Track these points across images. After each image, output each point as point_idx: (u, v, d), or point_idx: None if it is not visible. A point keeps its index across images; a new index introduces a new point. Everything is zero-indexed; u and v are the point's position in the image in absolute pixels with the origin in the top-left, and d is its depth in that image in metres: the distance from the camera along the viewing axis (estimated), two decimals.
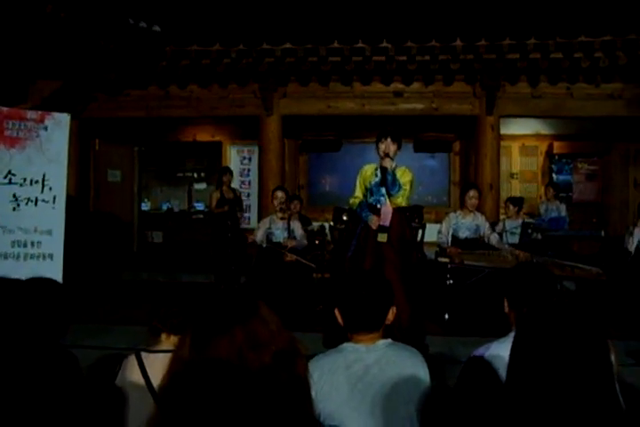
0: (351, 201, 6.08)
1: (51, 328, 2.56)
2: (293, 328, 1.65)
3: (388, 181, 5.71)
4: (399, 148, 5.92)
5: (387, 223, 5.71)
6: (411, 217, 9.29)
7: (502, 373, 2.48)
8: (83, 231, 9.14)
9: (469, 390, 2.68)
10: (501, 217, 9.75)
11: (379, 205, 5.81)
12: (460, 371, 2.76)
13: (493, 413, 1.79)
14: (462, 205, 8.01)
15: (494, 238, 7.83)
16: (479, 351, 2.74)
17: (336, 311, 2.80)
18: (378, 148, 5.87)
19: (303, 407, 1.54)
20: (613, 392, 1.60)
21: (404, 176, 5.84)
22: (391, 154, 5.79)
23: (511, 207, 8.96)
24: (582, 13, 8.99)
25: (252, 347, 1.49)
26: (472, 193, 7.89)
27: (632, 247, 7.80)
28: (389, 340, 2.77)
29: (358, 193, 6.03)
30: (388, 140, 5.81)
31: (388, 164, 5.73)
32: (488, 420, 1.88)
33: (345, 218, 9.07)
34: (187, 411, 1.45)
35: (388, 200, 5.80)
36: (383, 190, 5.80)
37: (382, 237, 5.71)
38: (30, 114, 6.44)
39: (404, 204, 5.91)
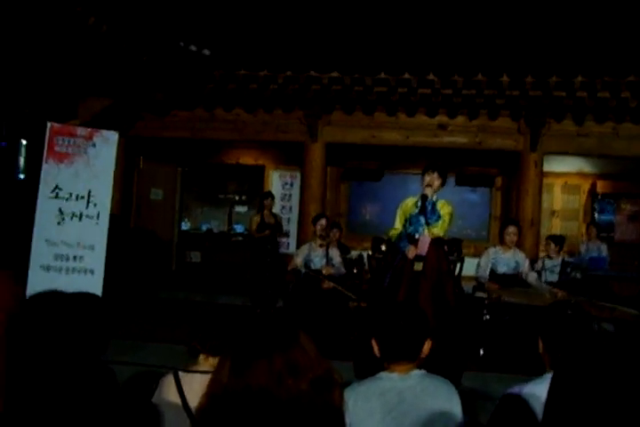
0: (390, 233, 6.06)
1: (93, 343, 2.60)
2: (327, 356, 1.67)
3: (427, 209, 5.71)
4: (443, 184, 5.92)
5: (423, 253, 5.70)
6: (449, 250, 9.29)
7: (538, 412, 2.47)
8: (123, 248, 9.24)
9: None
10: (541, 255, 9.68)
11: (417, 235, 5.80)
12: (495, 408, 2.75)
13: None
14: (502, 241, 7.97)
15: (532, 276, 7.78)
16: (514, 390, 2.72)
17: (373, 342, 2.82)
18: (423, 179, 5.87)
19: None
20: None
21: (443, 208, 5.83)
22: (434, 187, 5.80)
23: (552, 245, 8.88)
24: (630, 53, 8.97)
25: (290, 374, 1.52)
26: (511, 229, 7.85)
27: None
28: (424, 371, 2.78)
29: (398, 225, 6.00)
30: (435, 174, 5.81)
31: (428, 192, 5.74)
32: None
33: (383, 248, 9.08)
34: None
35: (426, 230, 5.79)
36: (422, 220, 5.79)
37: (418, 266, 5.70)
38: (80, 131, 6.54)
39: (441, 234, 5.90)
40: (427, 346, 2.80)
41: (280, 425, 1.47)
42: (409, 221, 5.87)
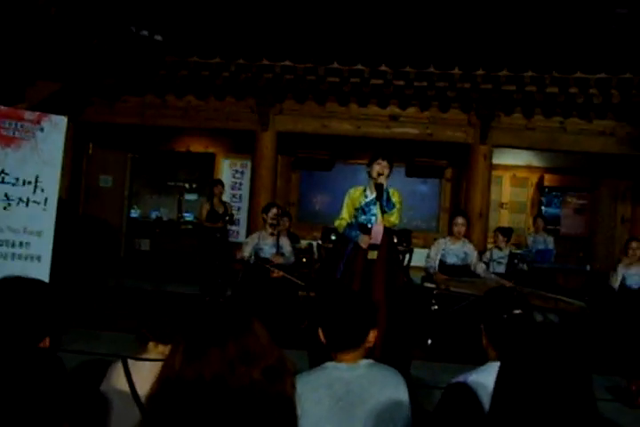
0: (337, 223, 5.99)
1: (39, 330, 2.56)
2: (278, 345, 1.67)
3: (383, 198, 5.72)
4: (390, 173, 5.94)
5: (378, 242, 5.72)
6: (398, 240, 9.36)
7: (484, 401, 2.51)
8: (71, 235, 9.12)
9: (449, 416, 2.69)
10: (489, 246, 9.81)
11: (369, 225, 5.81)
12: (442, 396, 2.78)
13: None
14: (450, 232, 8.06)
15: (481, 267, 7.88)
16: (460, 378, 2.75)
17: (319, 330, 2.82)
18: (371, 168, 5.82)
19: (288, 424, 1.56)
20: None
21: (394, 196, 5.83)
22: (385, 175, 5.79)
23: (500, 237, 9.02)
24: (580, 50, 9.11)
25: (243, 361, 1.51)
26: (459, 220, 7.95)
27: (616, 284, 7.86)
28: (371, 360, 2.78)
29: (345, 215, 5.95)
30: (385, 162, 5.78)
31: (383, 181, 5.71)
32: None
33: (333, 237, 9.11)
34: (173, 420, 1.47)
35: (380, 218, 5.80)
36: (374, 210, 5.80)
37: (372, 255, 5.71)
38: (28, 114, 6.40)
39: (397, 222, 5.93)
40: (372, 335, 2.78)
41: (231, 413, 1.46)
42: (360, 210, 5.88)
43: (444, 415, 2.72)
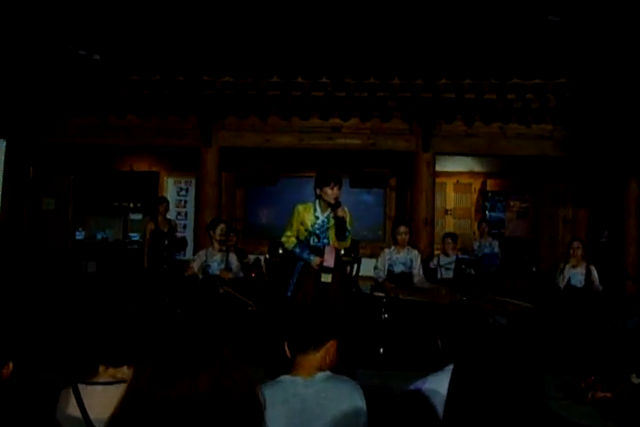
0: (284, 239, 5.92)
1: None
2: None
3: (342, 231, 5.70)
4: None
5: (331, 264, 5.70)
6: (346, 251, 9.38)
7: (439, 408, 2.52)
8: (13, 259, 8.95)
9: (404, 424, 2.70)
10: (436, 253, 9.90)
11: (322, 247, 5.80)
12: (397, 404, 2.79)
13: None
14: (395, 242, 8.12)
15: (417, 278, 7.95)
16: (416, 385, 2.77)
17: (285, 345, 2.82)
18: (323, 191, 5.71)
19: None
20: (549, 425, 1.65)
21: (346, 217, 5.81)
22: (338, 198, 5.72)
23: (450, 243, 9.12)
24: (515, 57, 9.28)
25: (214, 393, 1.48)
26: (402, 229, 8.03)
27: (562, 284, 8.00)
28: (327, 372, 2.78)
29: (293, 232, 5.87)
30: (337, 186, 5.70)
31: (343, 214, 5.66)
32: None
33: (280, 251, 9.09)
34: None
35: (334, 242, 5.79)
36: (328, 233, 5.80)
37: (326, 278, 5.65)
38: None
39: (348, 244, 5.96)
40: (332, 344, 2.81)
41: None
42: (314, 235, 5.82)
43: (399, 423, 2.73)
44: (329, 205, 5.75)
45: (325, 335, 2.80)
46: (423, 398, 2.64)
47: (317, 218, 5.81)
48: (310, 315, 2.84)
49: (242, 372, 1.59)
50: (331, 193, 5.69)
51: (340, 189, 5.75)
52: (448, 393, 1.77)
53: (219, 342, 1.62)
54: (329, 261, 5.67)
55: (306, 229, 5.83)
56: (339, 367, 5.24)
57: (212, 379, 1.49)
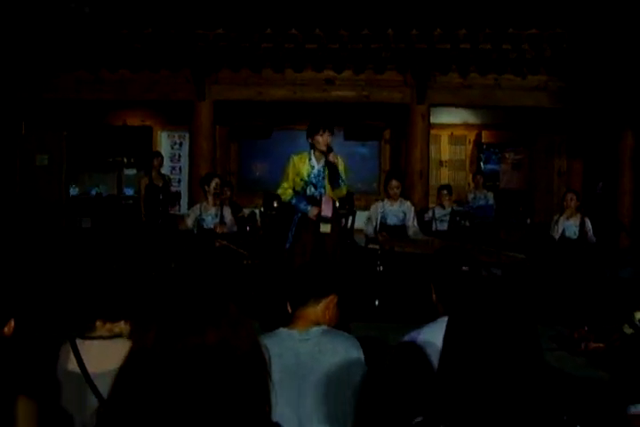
0: (280, 191, 5.94)
1: None
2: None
3: (335, 177, 5.69)
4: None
5: (329, 214, 5.70)
6: (341, 204, 9.40)
7: (433, 358, 2.54)
8: (8, 216, 8.93)
9: (400, 375, 2.72)
10: (431, 205, 9.91)
11: (319, 197, 5.79)
12: (391, 355, 2.81)
13: (424, 397, 1.82)
14: (387, 195, 8.09)
15: (411, 230, 7.95)
16: (410, 336, 2.77)
17: (285, 299, 2.83)
18: (314, 140, 5.74)
19: (262, 408, 1.55)
20: (543, 376, 1.66)
21: (340, 166, 5.81)
22: (330, 145, 5.72)
23: (446, 195, 9.10)
24: (511, 6, 9.17)
25: (221, 350, 1.48)
26: (394, 183, 7.97)
27: (556, 235, 8.02)
28: (324, 327, 2.76)
29: (289, 184, 5.89)
30: (327, 132, 5.71)
31: (333, 158, 5.65)
32: (419, 404, 1.92)
33: (276, 204, 9.09)
34: (143, 394, 1.44)
35: (330, 191, 5.79)
36: (324, 182, 5.79)
37: (325, 228, 5.67)
38: None
39: (345, 193, 5.95)
40: (332, 298, 2.81)
41: (204, 393, 1.44)
42: (310, 184, 5.82)
43: (394, 375, 2.75)
44: (322, 153, 5.76)
45: (326, 288, 2.80)
46: (418, 349, 2.64)
47: (313, 167, 5.82)
48: (311, 267, 2.84)
49: (248, 329, 1.58)
50: (321, 140, 5.71)
51: (330, 135, 5.76)
52: (443, 344, 1.78)
53: (225, 299, 1.61)
54: (326, 210, 5.69)
55: (302, 180, 5.84)
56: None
57: (219, 336, 1.49)
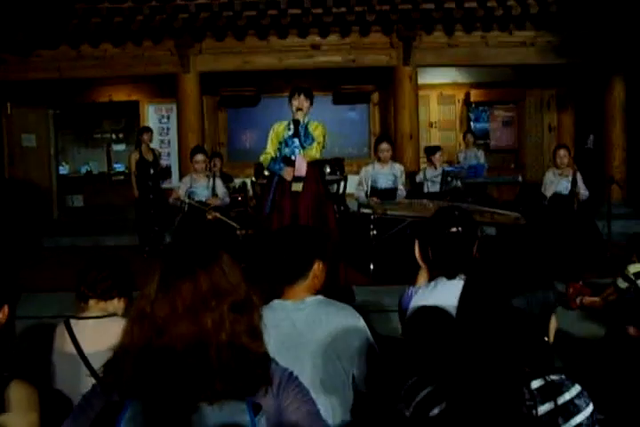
0: (262, 157, 6.03)
1: None
2: None
3: (300, 133, 5.75)
4: (311, 104, 5.92)
5: (302, 173, 5.74)
6: (332, 169, 9.39)
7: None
8: None
9: (421, 340, 2.72)
10: (422, 166, 9.88)
11: (293, 157, 5.82)
12: (408, 322, 2.80)
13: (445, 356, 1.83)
14: (378, 159, 8.04)
15: (399, 195, 7.94)
16: (413, 300, 2.78)
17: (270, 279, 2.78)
18: (291, 104, 5.86)
19: (257, 352, 1.62)
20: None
21: (317, 130, 5.85)
22: (304, 110, 5.80)
23: (438, 155, 9.03)
24: None
25: (214, 295, 1.55)
26: (384, 146, 7.89)
27: (549, 192, 7.99)
28: (319, 296, 2.72)
29: (269, 149, 5.98)
30: (302, 96, 5.80)
31: (300, 116, 5.75)
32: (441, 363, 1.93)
33: (266, 173, 9.05)
34: (147, 353, 1.52)
35: (301, 152, 5.83)
36: (297, 142, 5.82)
37: (297, 187, 5.75)
38: None
39: (317, 156, 5.95)
40: (317, 266, 2.71)
41: (202, 346, 1.51)
42: (284, 142, 5.88)
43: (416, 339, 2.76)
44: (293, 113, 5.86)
45: (307, 261, 2.70)
46: (437, 313, 2.64)
47: (290, 130, 5.87)
48: (287, 241, 2.75)
49: (240, 276, 1.65)
50: (295, 103, 5.81)
51: (307, 99, 5.84)
52: (458, 306, 1.78)
53: (216, 247, 1.69)
54: (300, 170, 5.72)
55: (279, 142, 5.90)
56: (336, 286, 5.36)
57: (211, 280, 1.56)
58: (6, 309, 2.48)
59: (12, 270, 2.67)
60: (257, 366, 1.58)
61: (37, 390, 2.16)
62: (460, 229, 2.76)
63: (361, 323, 2.71)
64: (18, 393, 2.10)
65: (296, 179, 5.75)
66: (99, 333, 2.88)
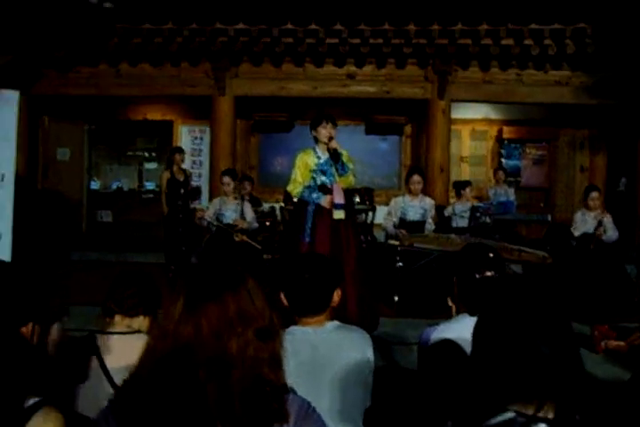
0: (291, 187, 5.99)
1: (8, 311, 2.49)
2: None
3: (339, 163, 5.74)
4: (335, 133, 5.89)
5: (341, 201, 5.74)
6: (361, 199, 9.40)
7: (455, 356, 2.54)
8: (31, 211, 8.99)
9: (436, 372, 2.70)
10: (451, 200, 9.87)
11: (329, 185, 5.83)
12: (426, 353, 2.78)
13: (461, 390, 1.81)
14: (408, 191, 8.05)
15: (428, 229, 7.93)
16: (433, 334, 2.76)
17: (281, 295, 2.77)
18: (317, 132, 5.82)
19: (276, 385, 1.58)
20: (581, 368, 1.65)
21: (345, 158, 5.86)
22: (334, 138, 5.78)
23: (468, 190, 9.02)
24: (533, 1, 9.10)
25: (240, 320, 1.54)
26: (415, 178, 7.90)
27: (578, 232, 7.95)
28: (337, 322, 2.74)
29: (300, 178, 5.93)
30: (330, 124, 5.78)
31: (336, 145, 5.72)
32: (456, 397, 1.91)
33: (295, 200, 9.09)
34: (168, 376, 1.49)
35: (337, 179, 5.84)
36: (332, 170, 5.83)
37: (339, 214, 5.72)
38: None
39: (353, 182, 6.00)
40: (336, 295, 2.74)
41: (226, 371, 1.49)
42: (319, 171, 5.88)
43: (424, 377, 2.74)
44: (325, 144, 5.83)
45: (331, 293, 2.72)
46: (454, 346, 2.63)
47: (319, 158, 5.89)
48: (313, 275, 2.75)
49: (264, 301, 1.63)
50: (324, 132, 5.77)
51: (333, 127, 5.81)
52: (473, 344, 1.77)
53: (242, 272, 1.67)
54: (338, 198, 5.73)
55: (311, 170, 5.90)
56: (364, 315, 5.35)
57: (239, 304, 1.55)
58: (32, 327, 2.45)
59: (42, 289, 2.67)
60: (274, 400, 1.54)
61: (64, 418, 2.11)
62: (495, 273, 2.75)
63: (371, 350, 2.74)
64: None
65: (337, 206, 5.73)
66: (122, 348, 2.89)
